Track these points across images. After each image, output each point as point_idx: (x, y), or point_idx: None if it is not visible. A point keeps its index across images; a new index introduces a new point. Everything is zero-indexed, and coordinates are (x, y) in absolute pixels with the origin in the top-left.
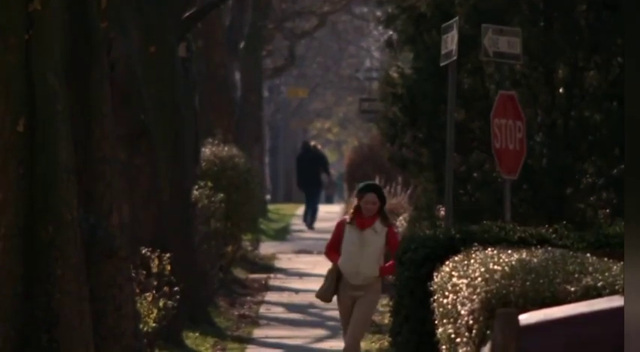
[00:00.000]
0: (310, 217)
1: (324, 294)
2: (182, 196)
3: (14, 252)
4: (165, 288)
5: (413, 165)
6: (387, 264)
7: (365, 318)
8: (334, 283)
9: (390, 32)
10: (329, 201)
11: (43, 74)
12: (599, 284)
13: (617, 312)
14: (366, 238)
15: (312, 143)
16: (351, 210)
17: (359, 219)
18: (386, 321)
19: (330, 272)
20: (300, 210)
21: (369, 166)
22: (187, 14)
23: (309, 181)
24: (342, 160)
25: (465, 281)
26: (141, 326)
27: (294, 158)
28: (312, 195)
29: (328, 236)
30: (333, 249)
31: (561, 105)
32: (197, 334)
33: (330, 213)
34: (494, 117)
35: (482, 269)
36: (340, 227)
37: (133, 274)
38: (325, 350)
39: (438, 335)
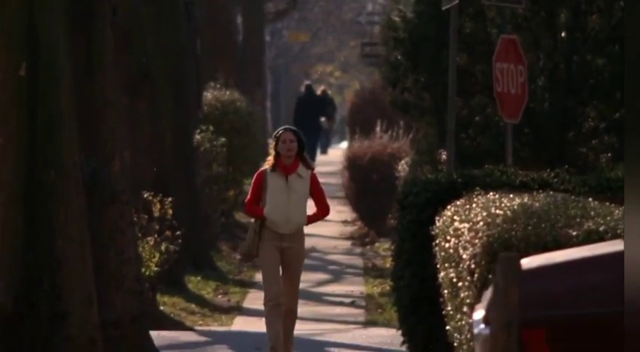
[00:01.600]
0: (310, 157)
1: (249, 251)
2: (184, 140)
3: (16, 198)
4: (167, 232)
5: (415, 109)
6: (313, 213)
7: (299, 276)
8: (257, 238)
9: None
10: (322, 150)
11: (45, 20)
12: (601, 228)
13: (618, 256)
14: (293, 184)
15: (322, 88)
16: (270, 159)
17: (282, 165)
18: (387, 265)
19: (253, 226)
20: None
21: (371, 110)
22: None
23: (307, 124)
24: (344, 104)
25: (466, 225)
26: (143, 270)
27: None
28: (308, 139)
29: (330, 180)
30: (254, 203)
31: (563, 49)
32: (199, 278)
33: (333, 156)
34: (496, 61)
35: (484, 214)
36: (260, 178)
37: (135, 218)
38: (327, 293)
39: (440, 280)
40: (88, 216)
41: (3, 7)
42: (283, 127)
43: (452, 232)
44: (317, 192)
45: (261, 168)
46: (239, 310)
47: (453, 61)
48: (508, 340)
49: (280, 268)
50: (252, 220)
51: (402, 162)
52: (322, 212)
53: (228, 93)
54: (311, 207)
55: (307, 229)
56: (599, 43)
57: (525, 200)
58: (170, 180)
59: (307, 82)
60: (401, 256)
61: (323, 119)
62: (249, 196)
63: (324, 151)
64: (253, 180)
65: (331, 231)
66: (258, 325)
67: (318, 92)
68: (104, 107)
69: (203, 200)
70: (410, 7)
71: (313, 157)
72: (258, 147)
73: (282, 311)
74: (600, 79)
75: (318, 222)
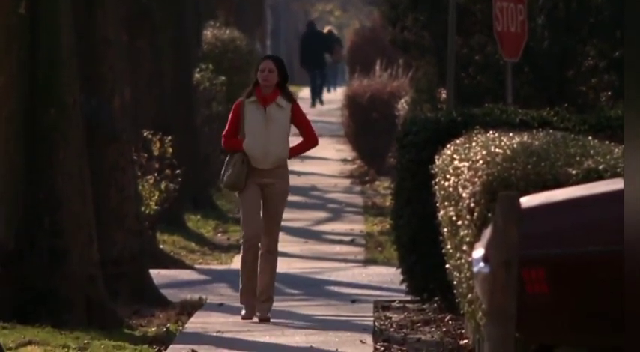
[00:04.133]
0: (318, 92)
1: (235, 182)
2: (184, 79)
3: (16, 136)
4: (167, 171)
5: (414, 47)
6: (297, 143)
7: (280, 215)
8: (245, 168)
9: None
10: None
11: None
12: (601, 166)
13: (618, 195)
14: (272, 114)
15: (329, 28)
16: (249, 88)
17: (260, 95)
18: (387, 204)
19: (231, 158)
20: (302, 92)
21: (371, 49)
22: None
23: (313, 62)
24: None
25: (466, 164)
26: (143, 209)
27: (296, 41)
28: (315, 76)
29: (330, 119)
30: (232, 135)
31: None
32: (199, 217)
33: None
34: (495, 0)
35: (484, 152)
36: (238, 109)
37: (135, 157)
38: (327, 232)
39: (440, 218)
40: (89, 155)
41: None
42: (265, 55)
43: (451, 171)
44: (301, 123)
45: (239, 99)
46: (238, 248)
47: (452, 0)
48: (507, 278)
49: (261, 206)
50: (229, 154)
51: (402, 100)
52: (308, 142)
53: (227, 31)
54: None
55: (307, 168)
56: None
57: (525, 138)
58: (170, 119)
59: (309, 19)
60: (401, 195)
61: (327, 55)
62: (226, 128)
63: (330, 89)
64: (231, 111)
65: (331, 169)
66: None
67: (325, 31)
68: (104, 45)
69: (203, 139)
70: None
71: (320, 96)
72: None
73: (258, 254)
74: (600, 18)
75: (319, 161)
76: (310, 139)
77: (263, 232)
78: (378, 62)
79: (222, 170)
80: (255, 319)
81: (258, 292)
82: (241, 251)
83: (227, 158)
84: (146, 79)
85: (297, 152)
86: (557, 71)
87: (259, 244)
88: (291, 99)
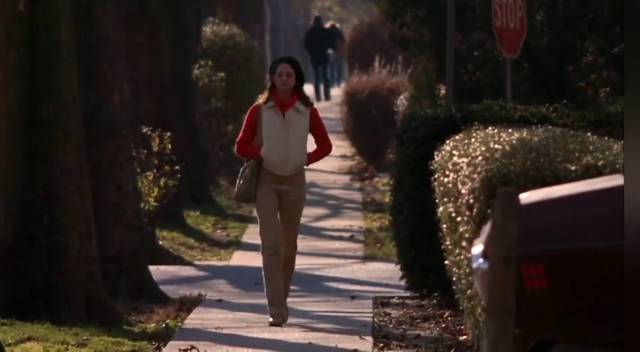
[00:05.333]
0: (324, 89)
1: (245, 194)
2: (183, 75)
3: (15, 132)
4: (166, 167)
5: (413, 44)
6: (314, 150)
7: (298, 222)
8: (254, 179)
9: None
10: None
11: None
12: (600, 162)
13: (617, 191)
14: (291, 120)
15: (331, 22)
16: (265, 92)
17: (277, 100)
18: (386, 200)
19: (245, 168)
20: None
21: (370, 45)
22: None
23: (318, 57)
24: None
25: (465, 160)
26: (142, 205)
27: (295, 37)
28: (319, 72)
29: (329, 115)
30: (247, 142)
31: None
32: (198, 213)
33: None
34: None
35: (483, 148)
36: (254, 114)
37: (134, 153)
38: (326, 228)
39: (439, 214)
40: (88, 151)
41: None
42: (280, 58)
43: (451, 167)
44: (318, 129)
45: (255, 103)
46: (238, 245)
47: None
48: (507, 274)
49: (278, 213)
50: (245, 161)
51: (401, 96)
52: (324, 149)
53: (227, 28)
54: (311, 146)
55: None
56: None
57: (524, 134)
58: (169, 115)
59: (316, 14)
60: (400, 191)
61: (330, 51)
62: (241, 134)
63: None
64: (246, 116)
65: (330, 165)
66: (256, 260)
67: (327, 26)
68: (103, 41)
69: (202, 135)
70: None
71: (328, 91)
72: (257, 81)
73: (280, 260)
74: (599, 13)
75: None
76: (326, 146)
77: (281, 239)
78: (377, 58)
79: (237, 181)
80: (270, 319)
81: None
82: (263, 261)
83: (241, 169)
84: (145, 75)
85: (314, 159)
86: (557, 67)
87: (280, 251)
88: (309, 103)
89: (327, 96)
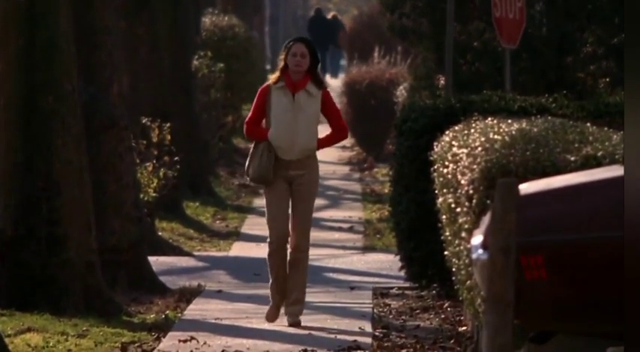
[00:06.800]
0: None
1: (263, 174)
2: (182, 66)
3: (15, 123)
4: (166, 158)
5: (413, 34)
6: (326, 135)
7: (311, 211)
8: (272, 159)
9: None
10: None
11: None
12: (599, 153)
13: (616, 181)
14: (301, 102)
15: (333, 13)
16: (277, 72)
17: (289, 81)
18: (386, 191)
19: (256, 148)
20: None
21: (369, 36)
22: None
23: (318, 45)
24: None
25: (465, 150)
26: (141, 195)
27: (294, 27)
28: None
29: None
30: (256, 123)
31: None
32: (197, 203)
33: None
34: None
35: (483, 139)
36: (264, 95)
37: (133, 144)
38: (325, 218)
39: (438, 205)
40: (87, 142)
41: None
42: (296, 37)
43: (450, 158)
44: (331, 112)
45: (266, 83)
46: (237, 235)
47: None
48: (506, 265)
49: (290, 202)
50: (254, 143)
51: (401, 87)
52: (338, 133)
53: (226, 18)
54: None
55: None
56: None
57: (524, 125)
58: (168, 106)
59: (317, 6)
60: (399, 182)
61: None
62: (250, 114)
63: (334, 75)
64: (256, 96)
65: (329, 156)
66: (256, 250)
67: (329, 16)
68: (102, 32)
69: (201, 125)
70: None
71: (323, 75)
72: (257, 72)
73: (286, 253)
74: (598, 4)
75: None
76: (340, 131)
77: (292, 230)
78: (377, 49)
79: (247, 162)
80: (284, 319)
81: (287, 293)
82: (268, 252)
83: (252, 148)
84: (144, 66)
85: (326, 144)
86: (556, 58)
87: (287, 244)
88: (322, 85)
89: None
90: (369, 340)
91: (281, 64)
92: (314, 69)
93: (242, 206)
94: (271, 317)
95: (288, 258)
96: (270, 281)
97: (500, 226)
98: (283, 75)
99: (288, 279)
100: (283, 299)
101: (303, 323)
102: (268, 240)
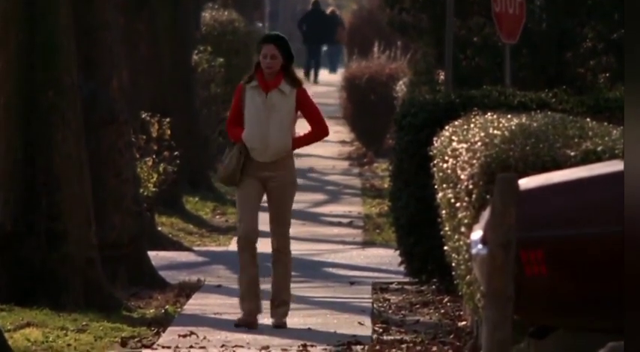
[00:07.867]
0: (314, 71)
1: (230, 177)
2: (182, 61)
3: (15, 118)
4: (165, 153)
5: (412, 29)
6: (301, 135)
7: (288, 210)
8: (240, 162)
9: None
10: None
11: None
12: (599, 148)
13: (616, 176)
14: (273, 101)
15: (331, 8)
16: (250, 71)
17: (262, 80)
18: (385, 186)
19: (230, 149)
20: (301, 74)
21: (369, 30)
22: None
23: (313, 39)
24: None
25: (464, 145)
26: (141, 190)
27: (294, 23)
28: (314, 51)
29: (328, 100)
30: (234, 123)
31: None
32: (197, 198)
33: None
34: None
35: (482, 134)
36: (239, 93)
37: (133, 139)
38: (325, 213)
39: (438, 200)
40: (87, 137)
41: None
42: (266, 36)
43: (450, 153)
44: (309, 110)
45: (241, 82)
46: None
47: None
48: (506, 260)
49: (260, 200)
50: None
51: (400, 82)
52: (315, 132)
53: (226, 13)
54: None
55: (305, 149)
56: None
57: (523, 120)
58: (168, 101)
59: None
60: (399, 177)
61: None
62: (230, 113)
63: (333, 70)
64: (234, 95)
65: (329, 151)
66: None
67: (328, 12)
68: (102, 28)
69: (201, 120)
70: None
71: (317, 75)
72: None
73: (256, 251)
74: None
75: (316, 142)
76: (319, 129)
77: (271, 231)
78: (377, 44)
79: (222, 160)
80: (270, 322)
81: (272, 295)
82: (238, 250)
83: (227, 149)
84: (144, 61)
85: (302, 143)
86: (556, 53)
87: (256, 243)
88: (297, 83)
89: (316, 81)
90: (368, 334)
91: (255, 61)
92: (288, 66)
93: None
94: (244, 321)
95: (272, 259)
96: (239, 282)
97: (500, 221)
98: (256, 73)
99: (272, 281)
100: (254, 301)
101: (302, 318)
102: (237, 238)
